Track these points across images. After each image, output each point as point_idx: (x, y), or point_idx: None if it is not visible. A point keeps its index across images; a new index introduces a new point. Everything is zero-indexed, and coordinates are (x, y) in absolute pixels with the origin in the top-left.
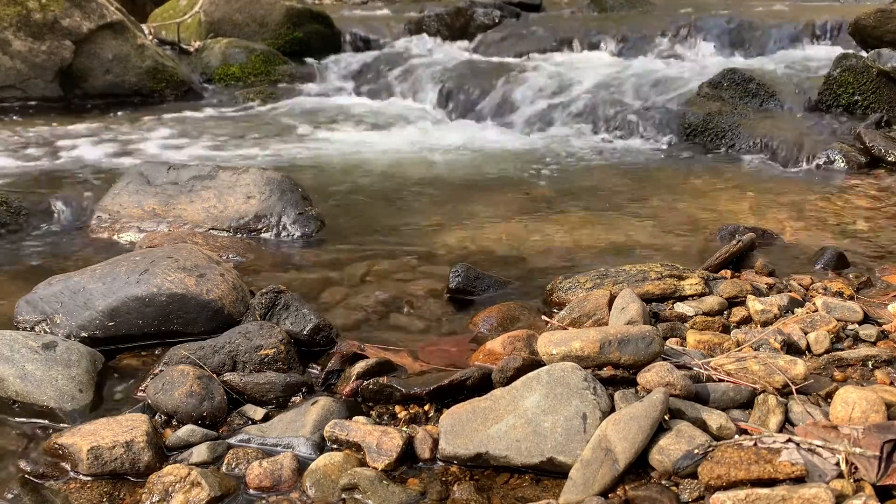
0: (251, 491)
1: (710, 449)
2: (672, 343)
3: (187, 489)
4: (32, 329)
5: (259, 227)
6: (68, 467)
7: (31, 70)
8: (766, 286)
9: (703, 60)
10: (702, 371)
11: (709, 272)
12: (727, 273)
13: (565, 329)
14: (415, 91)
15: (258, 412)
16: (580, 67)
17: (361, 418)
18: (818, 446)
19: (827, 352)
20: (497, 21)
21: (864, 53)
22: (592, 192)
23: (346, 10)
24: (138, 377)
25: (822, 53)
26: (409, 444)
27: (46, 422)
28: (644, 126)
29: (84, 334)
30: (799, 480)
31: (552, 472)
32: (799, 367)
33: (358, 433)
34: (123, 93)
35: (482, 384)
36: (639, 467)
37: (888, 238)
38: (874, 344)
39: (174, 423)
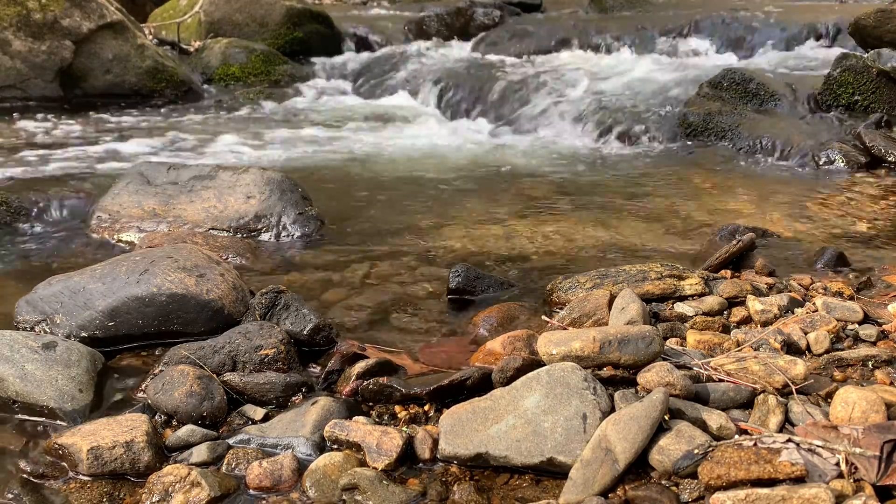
0: (251, 491)
1: (710, 449)
2: (672, 343)
3: (187, 489)
4: (32, 329)
5: (259, 227)
6: (68, 467)
7: (31, 70)
8: (766, 286)
9: (703, 60)
10: (702, 371)
11: (709, 272)
12: (727, 273)
13: (565, 329)
14: (415, 91)
15: (258, 412)
16: (580, 67)
17: (361, 418)
18: (818, 446)
19: (827, 352)
20: (497, 21)
21: (864, 53)
22: (592, 192)
23: (346, 10)
24: (138, 377)
25: (822, 53)
26: (409, 444)
27: (46, 422)
28: (644, 126)
29: (84, 334)
30: (799, 480)
31: (552, 472)
32: (799, 367)
33: (358, 433)
34: (123, 93)
35: (482, 384)
36: (639, 467)
37: (888, 238)
38: (874, 344)
39: (174, 423)
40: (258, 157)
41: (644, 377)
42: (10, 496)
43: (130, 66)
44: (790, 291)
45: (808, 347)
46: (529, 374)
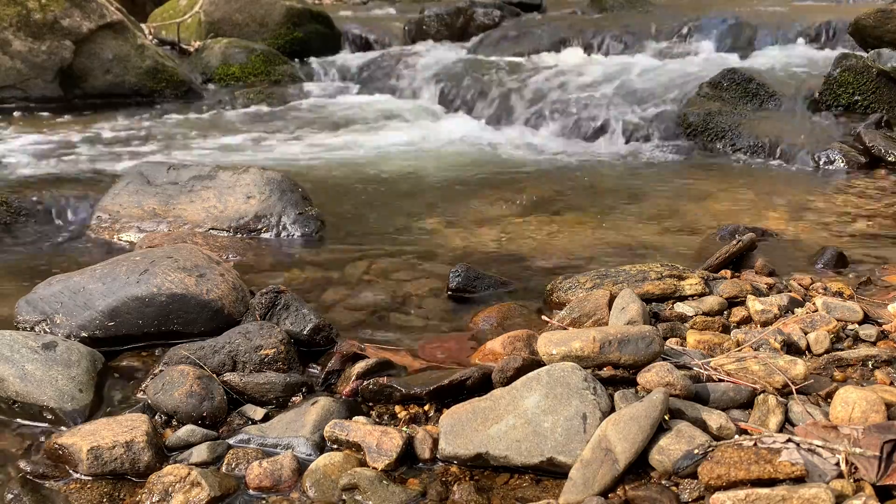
0: (251, 491)
1: (710, 449)
2: (672, 343)
3: (187, 489)
4: (32, 329)
5: (259, 227)
6: (68, 467)
7: (31, 70)
8: (766, 286)
9: (703, 60)
10: (702, 371)
11: (709, 272)
12: (727, 273)
13: (565, 329)
14: (414, 91)
15: (258, 412)
16: (580, 67)
17: (361, 418)
18: (818, 446)
19: (827, 352)
20: (497, 21)
21: (864, 53)
22: (592, 192)
23: (346, 10)
24: (138, 377)
25: (822, 53)
26: (409, 444)
27: (46, 422)
28: (644, 126)
29: (84, 334)
30: (799, 480)
31: (552, 473)
32: (799, 367)
33: (358, 433)
34: (123, 93)
35: (482, 384)
36: (639, 467)
37: (888, 238)
38: (874, 344)
39: (174, 423)
40: (258, 156)
41: (644, 377)
42: (11, 496)
43: (130, 66)
44: (790, 291)
45: (808, 347)
46: (529, 374)
